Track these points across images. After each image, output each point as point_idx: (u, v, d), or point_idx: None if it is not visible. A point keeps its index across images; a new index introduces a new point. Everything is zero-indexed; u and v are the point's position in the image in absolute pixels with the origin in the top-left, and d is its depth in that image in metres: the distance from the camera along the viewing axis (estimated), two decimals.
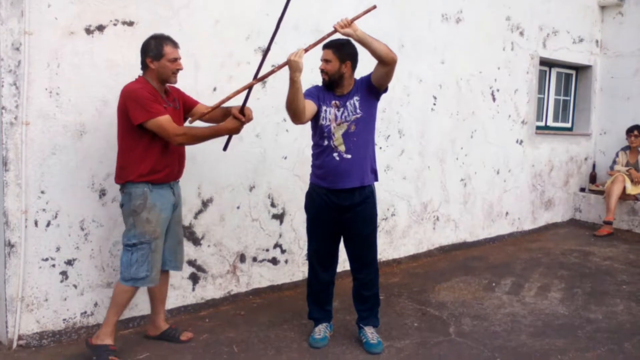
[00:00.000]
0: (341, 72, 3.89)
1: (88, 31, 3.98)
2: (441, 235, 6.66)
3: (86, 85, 4.02)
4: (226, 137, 3.93)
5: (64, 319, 4.06)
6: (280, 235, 5.18)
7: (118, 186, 4.16)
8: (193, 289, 4.67)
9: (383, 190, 5.93)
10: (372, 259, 4.14)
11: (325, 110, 3.95)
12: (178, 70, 3.75)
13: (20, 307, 3.89)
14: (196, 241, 4.64)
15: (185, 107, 3.97)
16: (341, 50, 3.89)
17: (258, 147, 4.93)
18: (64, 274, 4.03)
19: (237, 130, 3.81)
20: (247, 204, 4.93)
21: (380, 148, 5.86)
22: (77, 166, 4.02)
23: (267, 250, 5.11)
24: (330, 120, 3.92)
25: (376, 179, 4.11)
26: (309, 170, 5.26)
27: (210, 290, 4.76)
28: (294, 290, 5.23)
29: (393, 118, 5.95)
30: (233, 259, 4.88)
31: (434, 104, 6.35)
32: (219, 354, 3.97)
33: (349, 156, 3.91)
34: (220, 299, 4.82)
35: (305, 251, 5.34)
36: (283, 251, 5.21)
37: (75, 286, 4.08)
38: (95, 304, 4.17)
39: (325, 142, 3.95)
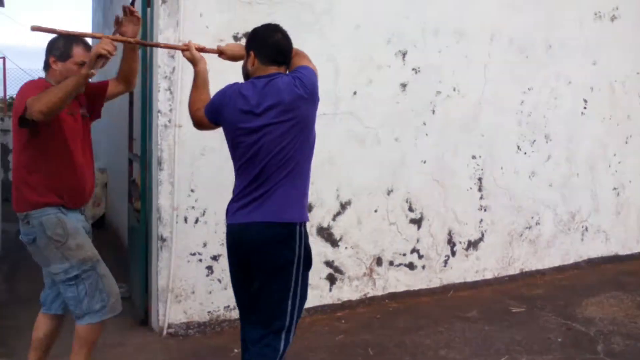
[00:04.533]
0: (247, 69, 2.90)
1: (235, 38, 4.17)
2: (590, 247, 6.25)
3: None
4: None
5: (209, 311, 4.27)
6: (418, 241, 5.12)
7: None
8: (330, 290, 4.73)
9: (527, 197, 5.68)
10: None
11: None
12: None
13: (170, 297, 4.14)
14: (334, 243, 4.71)
15: (98, 99, 3.34)
16: (248, 39, 2.97)
17: (397, 151, 4.91)
18: (209, 268, 4.24)
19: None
20: (385, 207, 4.92)
21: (525, 153, 5.62)
22: (223, 167, 4.20)
23: (404, 254, 5.07)
24: None
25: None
26: (449, 175, 5.20)
27: (346, 292, 4.80)
28: (431, 296, 5.14)
29: (539, 122, 5.69)
30: (370, 261, 4.89)
31: (584, 108, 5.99)
32: (353, 356, 3.98)
33: None
34: (357, 301, 4.84)
35: (443, 257, 5.25)
36: (420, 256, 5.14)
37: (219, 281, 4.28)
38: None
39: None
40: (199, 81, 3.00)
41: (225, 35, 4.13)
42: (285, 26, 4.28)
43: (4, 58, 11.27)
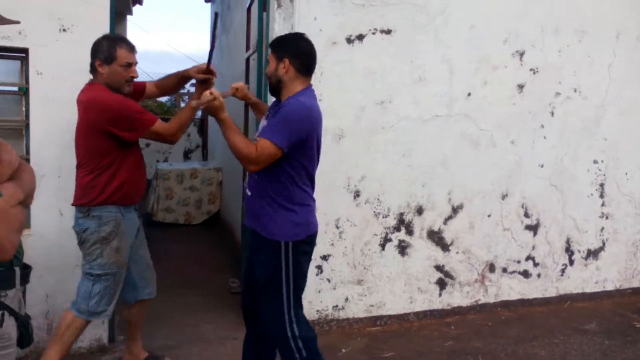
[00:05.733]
0: (278, 75, 2.85)
1: (349, 41, 4.19)
2: None
3: (345, 92, 4.23)
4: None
5: (317, 310, 4.32)
6: (534, 248, 4.93)
7: (370, 187, 4.32)
8: (440, 295, 4.65)
9: None
10: (266, 319, 2.96)
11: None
12: (132, 78, 3.17)
13: None
14: (444, 247, 4.62)
15: (137, 98, 3.40)
16: (279, 44, 2.89)
17: (512, 154, 4.75)
18: (319, 268, 4.28)
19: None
20: (499, 212, 4.77)
21: None
22: (334, 168, 4.24)
23: (519, 262, 4.89)
24: None
25: (289, 237, 2.83)
26: (568, 180, 4.99)
27: (457, 297, 4.70)
28: (546, 306, 4.94)
29: None
30: (482, 267, 4.76)
31: None
32: None
33: (249, 193, 2.95)
34: (467, 307, 4.73)
35: (560, 266, 5.03)
36: (536, 264, 4.95)
37: (328, 280, 4.31)
38: (346, 299, 4.36)
39: None
40: (234, 126, 2.84)
41: (339, 38, 4.16)
42: (398, 28, 4.32)
43: None
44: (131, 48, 3.14)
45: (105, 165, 3.09)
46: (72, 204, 3.19)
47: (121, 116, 3.02)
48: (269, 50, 2.92)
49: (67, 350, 3.17)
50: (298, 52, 2.84)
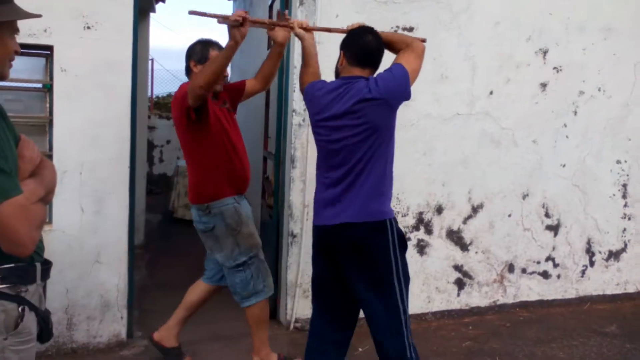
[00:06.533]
0: (337, 68, 3.00)
1: None
2: None
3: None
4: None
5: None
6: (554, 248, 4.88)
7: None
8: (458, 295, 4.63)
9: None
10: None
11: None
12: (225, 77, 3.42)
13: (298, 292, 4.23)
14: (464, 247, 4.60)
15: (237, 97, 3.62)
16: (342, 41, 3.00)
17: (534, 154, 4.71)
18: None
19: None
20: (519, 212, 4.73)
21: None
22: None
23: (538, 262, 4.85)
24: None
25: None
26: (590, 180, 4.94)
27: (475, 298, 4.68)
28: (565, 308, 4.89)
29: None
30: (501, 268, 4.73)
31: None
32: None
33: None
34: (485, 308, 4.71)
35: (580, 267, 4.98)
36: (556, 265, 4.90)
37: None
38: None
39: None
40: (304, 57, 3.13)
41: None
42: (422, 25, 4.29)
43: (152, 60, 11.95)
44: (221, 49, 3.31)
45: (207, 162, 3.30)
46: (191, 203, 3.40)
47: (178, 102, 3.24)
48: None
49: (267, 329, 3.60)
50: (350, 43, 2.93)
